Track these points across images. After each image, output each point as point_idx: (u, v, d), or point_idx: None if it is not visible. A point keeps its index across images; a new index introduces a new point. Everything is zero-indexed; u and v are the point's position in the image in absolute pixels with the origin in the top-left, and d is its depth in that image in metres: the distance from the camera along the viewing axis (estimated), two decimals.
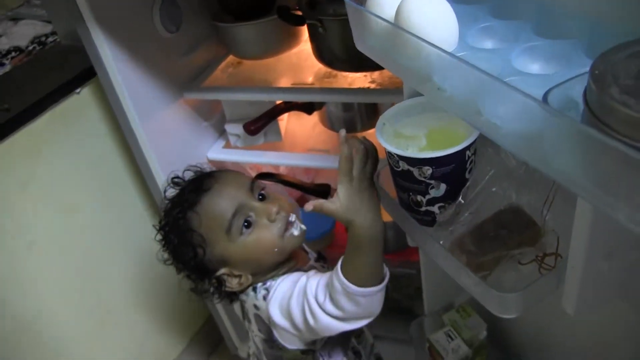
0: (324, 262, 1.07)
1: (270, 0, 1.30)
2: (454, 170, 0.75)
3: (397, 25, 0.59)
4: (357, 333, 1.06)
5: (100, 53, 1.10)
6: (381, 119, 0.83)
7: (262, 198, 0.95)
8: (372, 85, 1.17)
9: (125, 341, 1.54)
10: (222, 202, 0.90)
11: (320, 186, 1.43)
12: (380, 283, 0.83)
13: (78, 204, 1.34)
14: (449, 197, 0.78)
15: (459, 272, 0.72)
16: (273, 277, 0.94)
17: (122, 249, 1.47)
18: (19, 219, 1.20)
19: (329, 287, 0.83)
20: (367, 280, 0.81)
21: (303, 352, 0.95)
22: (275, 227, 0.91)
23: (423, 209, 0.81)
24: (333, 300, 0.82)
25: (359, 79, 1.20)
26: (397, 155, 0.76)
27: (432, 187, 0.77)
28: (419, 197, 0.80)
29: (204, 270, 0.93)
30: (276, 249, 0.91)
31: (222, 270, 0.93)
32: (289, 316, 0.88)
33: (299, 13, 1.19)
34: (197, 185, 0.94)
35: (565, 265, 0.66)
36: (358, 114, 1.32)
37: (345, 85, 1.20)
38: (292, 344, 0.93)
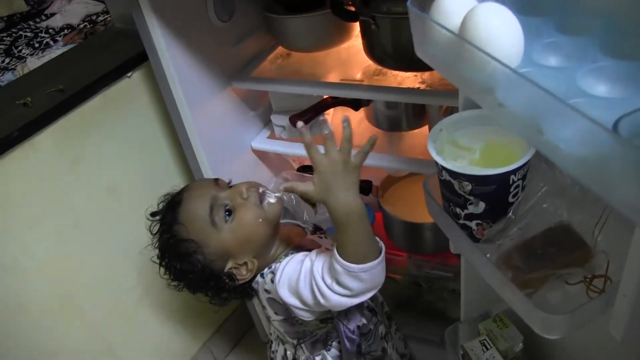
0: (321, 232, 1.13)
1: None
2: (495, 192, 0.73)
3: (462, 38, 0.58)
4: None
5: (153, 39, 1.11)
6: (439, 125, 0.81)
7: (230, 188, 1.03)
8: (422, 86, 1.15)
9: (156, 325, 1.57)
10: (196, 204, 0.97)
11: (362, 182, 1.42)
12: (377, 256, 0.87)
13: (122, 185, 1.36)
14: (488, 216, 0.76)
15: (504, 287, 0.71)
16: (276, 260, 0.99)
17: None
18: (66, 198, 1.23)
19: (332, 270, 0.87)
20: (363, 257, 0.86)
21: (322, 320, 1.02)
22: (250, 201, 0.97)
23: (461, 222, 0.80)
24: (339, 281, 0.87)
25: (408, 79, 1.19)
26: (439, 164, 0.75)
27: (471, 203, 0.76)
28: (458, 210, 0.79)
29: (214, 273, 0.98)
30: (260, 219, 0.96)
31: (229, 265, 0.98)
32: (298, 296, 0.93)
33: (352, 8, 1.18)
34: (170, 204, 1.02)
35: (615, 289, 0.64)
36: (404, 113, 1.31)
37: (395, 84, 1.19)
38: (309, 316, 0.98)
